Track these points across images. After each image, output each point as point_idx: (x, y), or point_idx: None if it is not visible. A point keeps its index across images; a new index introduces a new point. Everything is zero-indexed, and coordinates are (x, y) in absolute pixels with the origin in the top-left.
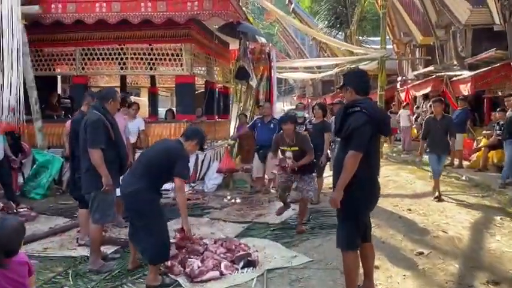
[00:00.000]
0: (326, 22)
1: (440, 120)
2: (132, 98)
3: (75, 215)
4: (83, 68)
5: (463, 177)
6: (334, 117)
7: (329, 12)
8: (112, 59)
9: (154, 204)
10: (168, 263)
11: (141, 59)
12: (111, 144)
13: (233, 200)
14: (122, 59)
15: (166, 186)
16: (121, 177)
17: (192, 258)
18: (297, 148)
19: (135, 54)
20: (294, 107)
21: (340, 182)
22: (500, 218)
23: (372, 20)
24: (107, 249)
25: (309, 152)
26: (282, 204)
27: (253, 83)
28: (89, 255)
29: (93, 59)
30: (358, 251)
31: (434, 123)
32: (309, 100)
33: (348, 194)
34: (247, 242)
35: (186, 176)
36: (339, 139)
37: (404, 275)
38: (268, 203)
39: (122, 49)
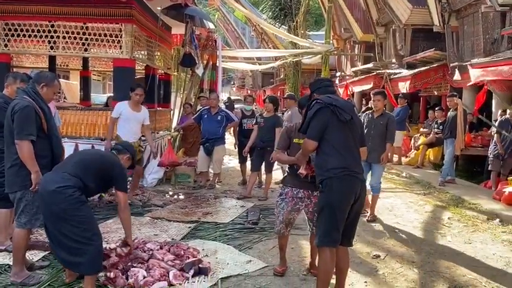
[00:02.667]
0: (270, 13)
1: (379, 118)
2: (61, 81)
3: None
4: (6, 45)
5: (404, 174)
6: (286, 112)
7: (273, 3)
8: (41, 36)
9: (84, 204)
10: (111, 274)
11: (75, 38)
12: (43, 135)
13: (176, 196)
14: (52, 37)
15: None
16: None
17: (135, 266)
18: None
19: (68, 33)
20: (235, 97)
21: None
22: (448, 218)
23: (315, 15)
24: (34, 256)
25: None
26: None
27: (199, 71)
28: (10, 263)
29: (19, 35)
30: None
31: (371, 121)
32: (259, 92)
33: (324, 188)
34: (196, 245)
35: (127, 189)
36: None
37: (365, 282)
38: (214, 200)
39: (52, 26)
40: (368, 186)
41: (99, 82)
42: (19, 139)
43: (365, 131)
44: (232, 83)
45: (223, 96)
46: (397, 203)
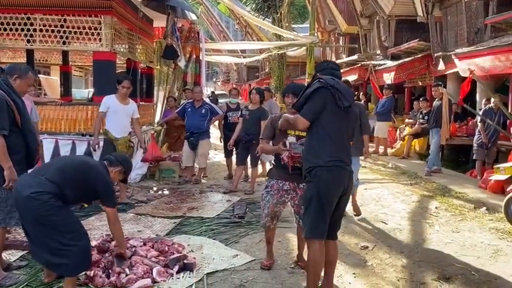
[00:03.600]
0: (254, 5)
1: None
2: (41, 77)
3: None
4: None
5: (390, 165)
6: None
7: None
8: (17, 29)
9: (61, 209)
10: (90, 272)
11: (53, 31)
12: (16, 130)
13: (160, 192)
14: (29, 30)
15: None
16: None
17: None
18: (305, 133)
19: (45, 26)
20: (220, 92)
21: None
22: (435, 208)
23: (298, 7)
24: (11, 256)
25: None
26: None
27: (182, 63)
28: None
29: None
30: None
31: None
32: (244, 86)
33: (312, 178)
34: (181, 241)
35: (116, 204)
36: None
37: (354, 273)
38: (199, 195)
39: (29, 19)
40: None
41: (81, 78)
42: None
43: None
44: (216, 78)
45: (208, 90)
46: (384, 194)
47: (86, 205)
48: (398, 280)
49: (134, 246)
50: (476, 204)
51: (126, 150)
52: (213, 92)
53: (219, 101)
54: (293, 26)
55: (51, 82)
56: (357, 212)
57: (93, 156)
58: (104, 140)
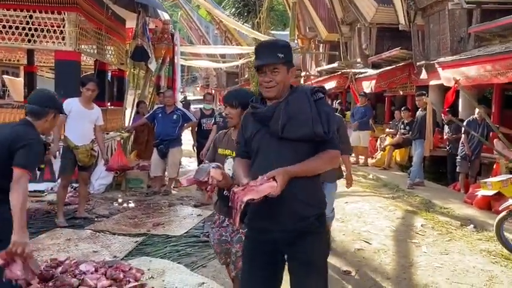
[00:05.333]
0: (233, 9)
1: None
2: (5, 77)
3: None
4: None
5: (370, 176)
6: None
7: None
8: None
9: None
10: None
11: (14, 28)
12: None
13: (125, 205)
14: None
15: (41, 187)
16: None
17: None
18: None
19: (7, 22)
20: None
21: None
22: (421, 225)
23: (279, 13)
24: None
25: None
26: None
27: (153, 66)
28: None
29: None
30: None
31: None
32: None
33: (322, 227)
34: (140, 265)
35: (30, 165)
36: None
37: None
38: (168, 208)
39: None
40: None
41: (52, 79)
42: None
43: None
44: (196, 83)
45: (188, 95)
46: (366, 209)
47: (42, 166)
48: None
49: (84, 273)
50: (463, 222)
51: (87, 160)
52: (185, 97)
53: (195, 106)
54: (274, 32)
55: (16, 83)
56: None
57: (53, 164)
58: (63, 148)
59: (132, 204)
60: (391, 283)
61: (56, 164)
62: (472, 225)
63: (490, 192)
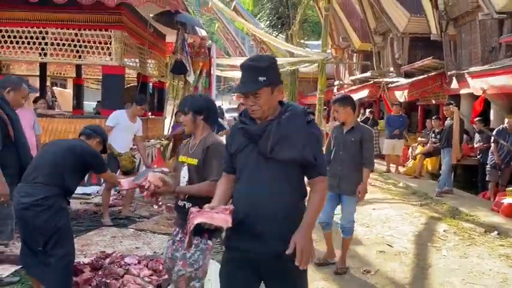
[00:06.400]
0: (268, 22)
1: (349, 133)
2: (55, 89)
3: None
4: None
5: (401, 184)
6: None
7: (271, 12)
8: (29, 43)
9: (63, 217)
10: None
11: (64, 45)
12: (9, 143)
13: (164, 207)
14: (41, 44)
15: (88, 190)
16: None
17: (110, 281)
18: (195, 162)
19: (56, 39)
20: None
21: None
22: (444, 231)
23: (312, 24)
24: (3, 271)
25: (212, 176)
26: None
27: (191, 78)
28: None
29: (12, 42)
30: None
31: (339, 138)
32: None
33: None
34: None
35: (106, 168)
36: None
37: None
38: None
39: (41, 33)
40: (337, 226)
41: (98, 90)
42: None
43: (333, 151)
44: (232, 92)
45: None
46: (392, 215)
47: None
48: None
49: (128, 264)
50: (487, 228)
51: (130, 165)
52: (219, 107)
53: (230, 115)
54: (307, 42)
55: (65, 94)
56: (341, 261)
57: None
58: (108, 155)
59: (168, 205)
60: (407, 282)
61: None
62: (495, 232)
63: None
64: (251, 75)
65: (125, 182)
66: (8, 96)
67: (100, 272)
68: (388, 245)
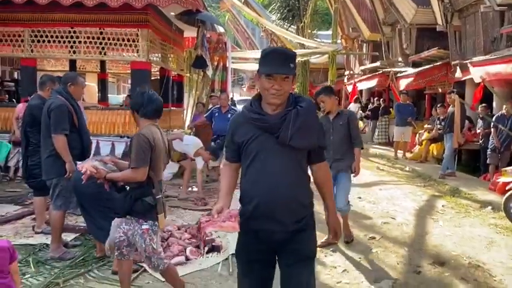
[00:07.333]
0: (279, 15)
1: (336, 119)
2: None
3: (26, 203)
4: (32, 51)
5: (407, 168)
6: None
7: (282, 4)
8: (64, 41)
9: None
10: None
11: (95, 43)
12: (74, 130)
13: (190, 189)
14: (74, 42)
15: None
16: None
17: None
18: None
19: (88, 38)
20: (245, 97)
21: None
22: (442, 206)
23: (322, 14)
24: (67, 237)
25: (131, 164)
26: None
27: (210, 72)
28: (48, 242)
29: (44, 41)
30: None
31: (328, 125)
32: None
33: (313, 224)
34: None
35: None
36: None
37: (359, 257)
38: None
39: (74, 32)
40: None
41: (113, 84)
42: (55, 133)
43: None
44: (242, 83)
45: (235, 96)
46: (397, 194)
47: None
48: (397, 264)
49: (170, 231)
50: (483, 204)
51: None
52: (231, 99)
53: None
54: (318, 32)
55: (89, 88)
56: (347, 233)
57: None
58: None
59: (195, 189)
60: (406, 245)
61: None
62: (490, 207)
63: (510, 179)
64: (284, 60)
65: (79, 166)
66: (70, 90)
67: None
68: (391, 217)
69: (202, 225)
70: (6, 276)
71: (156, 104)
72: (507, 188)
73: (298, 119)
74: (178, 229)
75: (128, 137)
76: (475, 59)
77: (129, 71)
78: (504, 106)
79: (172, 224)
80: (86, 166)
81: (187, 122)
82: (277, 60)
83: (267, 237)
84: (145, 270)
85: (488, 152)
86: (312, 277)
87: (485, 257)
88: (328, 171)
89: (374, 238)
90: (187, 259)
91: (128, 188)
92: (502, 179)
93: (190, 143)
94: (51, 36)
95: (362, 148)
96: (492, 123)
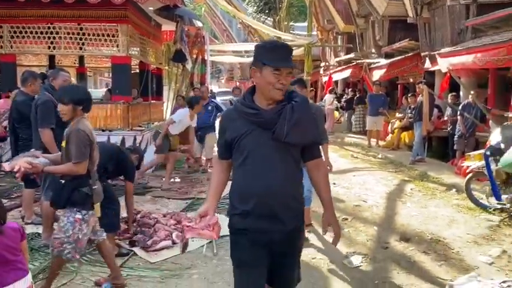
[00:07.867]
0: (255, 7)
1: None
2: None
3: (12, 196)
4: (11, 46)
5: (380, 156)
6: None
7: None
8: (43, 37)
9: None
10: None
11: (75, 38)
12: (60, 124)
13: (173, 180)
14: (54, 37)
15: None
16: None
17: (144, 231)
18: (64, 144)
19: (68, 33)
20: (223, 90)
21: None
22: (411, 189)
23: (298, 6)
24: None
25: (72, 160)
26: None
27: (189, 66)
28: (39, 232)
29: (23, 37)
30: None
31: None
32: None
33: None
34: (193, 216)
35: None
36: None
37: (331, 236)
38: (207, 181)
39: (54, 28)
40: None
41: (90, 77)
42: (41, 127)
43: None
44: (220, 75)
45: (214, 88)
46: (369, 179)
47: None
48: (367, 241)
49: (156, 218)
50: (448, 187)
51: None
52: (211, 91)
53: (222, 98)
54: (294, 24)
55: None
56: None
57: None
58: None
59: (178, 179)
60: (376, 225)
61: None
62: (454, 190)
63: (473, 163)
64: (288, 53)
65: (6, 165)
66: (54, 83)
67: (135, 224)
68: (363, 201)
69: (184, 230)
70: (18, 254)
71: (91, 98)
72: (467, 171)
73: (294, 115)
74: (164, 216)
75: (110, 131)
76: (442, 50)
77: (106, 65)
78: (470, 95)
79: (157, 213)
80: (19, 163)
81: (168, 115)
82: (284, 53)
83: (264, 237)
84: (135, 254)
85: (455, 138)
86: (299, 269)
87: (446, 233)
88: (324, 166)
89: (346, 219)
90: (173, 243)
91: (64, 180)
92: (466, 163)
93: (183, 117)
94: (31, 32)
95: (327, 142)
96: (458, 111)
